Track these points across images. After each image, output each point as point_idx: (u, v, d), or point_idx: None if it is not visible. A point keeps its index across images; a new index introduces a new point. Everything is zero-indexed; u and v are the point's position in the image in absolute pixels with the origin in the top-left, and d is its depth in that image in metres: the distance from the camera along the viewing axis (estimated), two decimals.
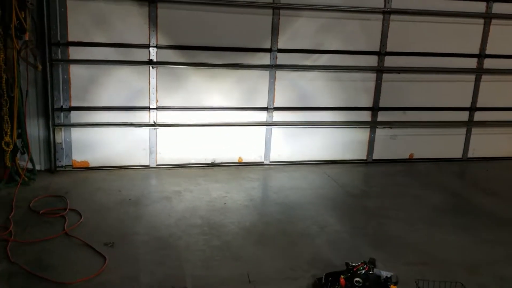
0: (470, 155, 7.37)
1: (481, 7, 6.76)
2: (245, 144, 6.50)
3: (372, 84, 6.69)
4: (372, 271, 3.20)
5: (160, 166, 6.27)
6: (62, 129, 5.86)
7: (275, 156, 6.61)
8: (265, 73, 6.34)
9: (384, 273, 3.22)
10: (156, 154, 6.23)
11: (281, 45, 6.28)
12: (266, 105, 6.43)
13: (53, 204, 4.90)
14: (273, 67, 6.30)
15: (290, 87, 6.48)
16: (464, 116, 7.18)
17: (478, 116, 7.21)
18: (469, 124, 7.23)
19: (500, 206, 5.60)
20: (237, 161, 6.51)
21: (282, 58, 6.32)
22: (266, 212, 5.08)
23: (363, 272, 3.16)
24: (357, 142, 6.87)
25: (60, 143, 5.88)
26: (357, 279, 3.07)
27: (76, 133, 5.93)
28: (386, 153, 7.01)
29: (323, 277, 3.59)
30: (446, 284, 3.26)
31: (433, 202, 5.61)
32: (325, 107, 6.63)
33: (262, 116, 6.46)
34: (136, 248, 4.12)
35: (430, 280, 3.32)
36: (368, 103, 6.76)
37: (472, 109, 7.16)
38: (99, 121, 5.96)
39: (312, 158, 6.73)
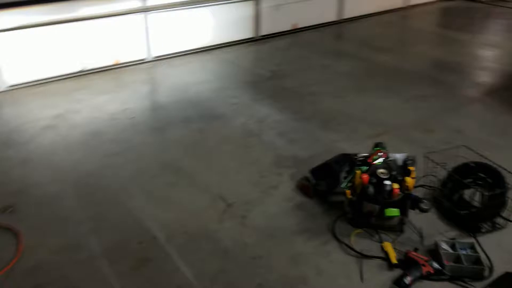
0: (344, 16, 7.21)
1: None
2: (119, 41, 5.15)
3: None
4: (389, 156, 2.73)
5: (14, 87, 4.64)
6: None
7: (158, 50, 5.44)
8: None
9: (398, 155, 2.79)
10: (1, 72, 4.54)
11: None
12: None
13: None
14: None
15: None
16: None
17: None
18: None
19: (398, 59, 5.61)
20: (113, 63, 5.18)
21: None
22: (188, 116, 4.13)
23: (382, 161, 2.66)
24: (244, 19, 6.04)
25: None
26: (381, 170, 2.57)
27: None
28: (272, 27, 6.38)
29: (310, 175, 3.03)
30: (453, 156, 2.98)
31: (342, 69, 5.32)
32: None
33: (134, 3, 5.10)
34: (49, 204, 2.93)
35: (436, 152, 3.02)
36: None
37: None
38: None
39: (200, 45, 5.75)
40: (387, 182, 2.51)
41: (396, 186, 2.51)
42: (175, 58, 5.50)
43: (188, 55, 5.60)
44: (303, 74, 5.16)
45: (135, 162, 3.40)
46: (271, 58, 5.71)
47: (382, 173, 2.56)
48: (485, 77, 5.31)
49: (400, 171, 2.63)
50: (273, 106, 4.32)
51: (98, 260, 2.48)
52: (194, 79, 4.96)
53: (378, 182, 2.52)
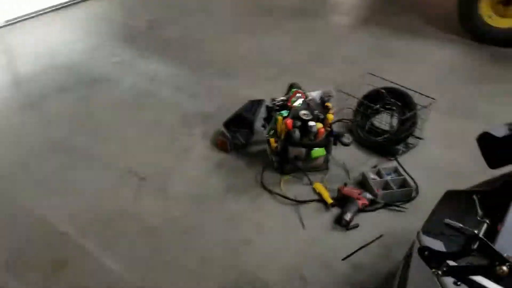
0: None
1: None
2: None
3: None
4: (307, 96, 2.58)
5: None
6: None
7: (9, 12, 4.56)
8: None
9: (315, 94, 2.66)
10: None
11: None
12: None
13: None
14: None
15: None
16: None
17: None
18: None
19: None
20: None
21: None
22: (64, 85, 3.54)
23: (302, 102, 2.51)
24: None
25: None
26: (303, 112, 2.42)
27: None
28: None
29: (224, 128, 2.82)
30: (360, 85, 2.94)
31: (220, 11, 5.03)
32: None
33: None
34: None
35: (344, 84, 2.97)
36: None
37: None
38: None
39: (49, 3, 4.91)
40: (312, 124, 2.40)
41: (320, 126, 2.42)
42: (32, 20, 4.68)
43: (47, 14, 4.79)
44: (182, 20, 4.76)
45: (16, 149, 2.86)
46: (142, 7, 5.17)
47: (305, 114, 2.43)
48: (355, 4, 5.42)
49: (319, 109, 2.53)
50: (160, 59, 3.92)
51: (0, 277, 2.04)
52: (60, 40, 4.29)
53: (302, 125, 2.40)
